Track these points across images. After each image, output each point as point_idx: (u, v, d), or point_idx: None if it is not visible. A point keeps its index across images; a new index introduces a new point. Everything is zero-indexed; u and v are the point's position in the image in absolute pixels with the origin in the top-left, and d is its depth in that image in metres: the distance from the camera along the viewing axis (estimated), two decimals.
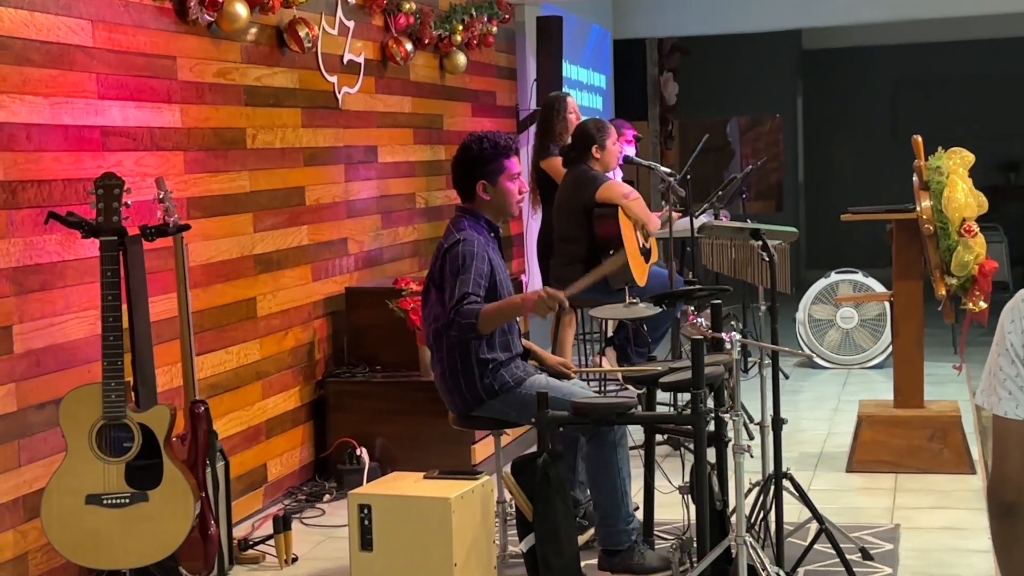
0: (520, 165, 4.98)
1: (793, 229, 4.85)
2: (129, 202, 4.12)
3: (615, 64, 12.01)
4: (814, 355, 8.97)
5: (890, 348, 8.84)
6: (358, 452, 6.28)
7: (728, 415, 4.30)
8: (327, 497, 6.13)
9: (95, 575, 4.29)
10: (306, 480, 6.36)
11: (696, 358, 4.30)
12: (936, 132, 6.50)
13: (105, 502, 4.02)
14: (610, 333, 7.40)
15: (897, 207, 6.33)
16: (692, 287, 4.80)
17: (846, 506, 5.75)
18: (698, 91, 14.19)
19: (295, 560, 5.26)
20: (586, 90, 10.76)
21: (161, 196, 4.39)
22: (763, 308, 4.90)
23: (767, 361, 4.79)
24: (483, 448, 6.33)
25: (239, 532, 5.48)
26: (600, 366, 7.27)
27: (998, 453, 2.31)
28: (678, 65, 13.59)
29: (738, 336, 4.18)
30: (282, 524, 5.23)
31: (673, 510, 5.14)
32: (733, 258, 4.68)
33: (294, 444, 6.28)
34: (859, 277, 8.93)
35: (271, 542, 5.28)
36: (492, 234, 4.90)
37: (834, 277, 9.02)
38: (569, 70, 9.92)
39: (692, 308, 4.38)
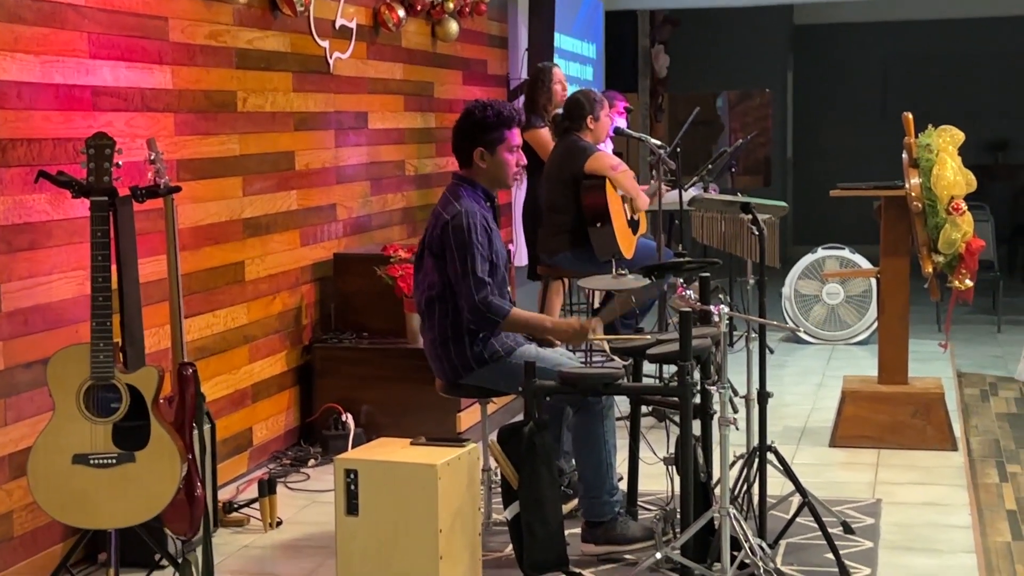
0: (520, 138, 4.96)
1: (783, 203, 4.86)
2: (120, 163, 4.10)
3: (606, 35, 11.98)
4: (800, 329, 8.99)
5: (875, 325, 8.89)
6: (344, 418, 6.29)
7: (715, 388, 4.32)
8: (312, 462, 6.15)
9: (80, 534, 4.29)
10: (291, 445, 6.37)
11: (684, 330, 4.32)
12: (926, 110, 6.51)
13: (92, 462, 4.02)
14: (596, 304, 7.41)
15: (886, 184, 6.35)
16: (681, 259, 4.81)
17: (828, 480, 5.79)
18: (689, 64, 14.17)
19: (279, 524, 5.28)
20: (577, 61, 10.73)
21: (152, 157, 4.38)
22: (751, 282, 4.92)
23: (753, 335, 4.81)
24: (468, 416, 6.35)
25: (224, 495, 5.50)
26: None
27: None
28: (669, 37, 13.57)
29: (726, 309, 4.19)
30: (267, 488, 5.25)
31: (657, 481, 5.18)
32: (723, 231, 4.69)
33: (280, 409, 6.29)
34: (846, 253, 8.96)
35: (256, 506, 5.30)
36: (488, 203, 4.90)
37: (821, 253, 9.04)
38: (561, 40, 9.89)
39: (681, 280, 4.39)
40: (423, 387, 6.20)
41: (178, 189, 4.40)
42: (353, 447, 6.19)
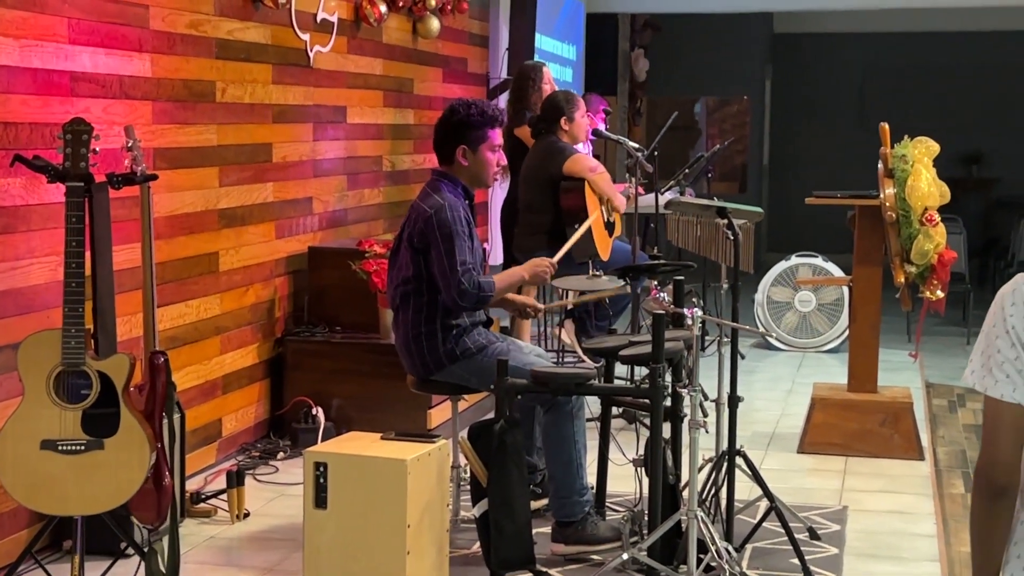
0: (501, 138, 5.00)
1: (758, 209, 4.88)
2: (97, 148, 4.09)
3: (587, 37, 12.00)
4: (772, 335, 9.02)
5: (846, 333, 8.93)
6: (314, 411, 6.28)
7: (685, 390, 4.33)
8: (281, 455, 6.14)
9: (46, 521, 4.27)
10: (260, 437, 6.36)
11: (657, 333, 4.33)
12: (902, 121, 6.53)
13: (60, 448, 4.00)
14: (570, 305, 7.41)
15: (861, 193, 6.38)
16: (656, 262, 4.82)
17: (796, 486, 5.81)
18: (668, 69, 14.21)
19: (247, 515, 5.27)
20: (557, 62, 10.74)
21: (130, 145, 4.36)
22: (725, 286, 4.95)
23: (725, 339, 4.82)
24: (439, 412, 6.35)
25: (192, 486, 5.48)
26: (559, 338, 7.31)
27: (990, 435, 2.32)
28: (649, 42, 13.60)
29: (700, 312, 4.21)
30: (235, 479, 5.24)
31: (625, 482, 5.19)
32: (698, 235, 4.70)
33: (250, 401, 6.27)
34: (819, 261, 9.00)
35: (223, 497, 5.29)
36: (467, 201, 4.92)
37: (794, 260, 9.08)
38: (541, 41, 9.91)
39: (655, 283, 4.40)
40: (395, 382, 6.19)
41: (155, 177, 4.38)
42: (323, 441, 6.18)
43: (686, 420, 4.38)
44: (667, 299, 4.38)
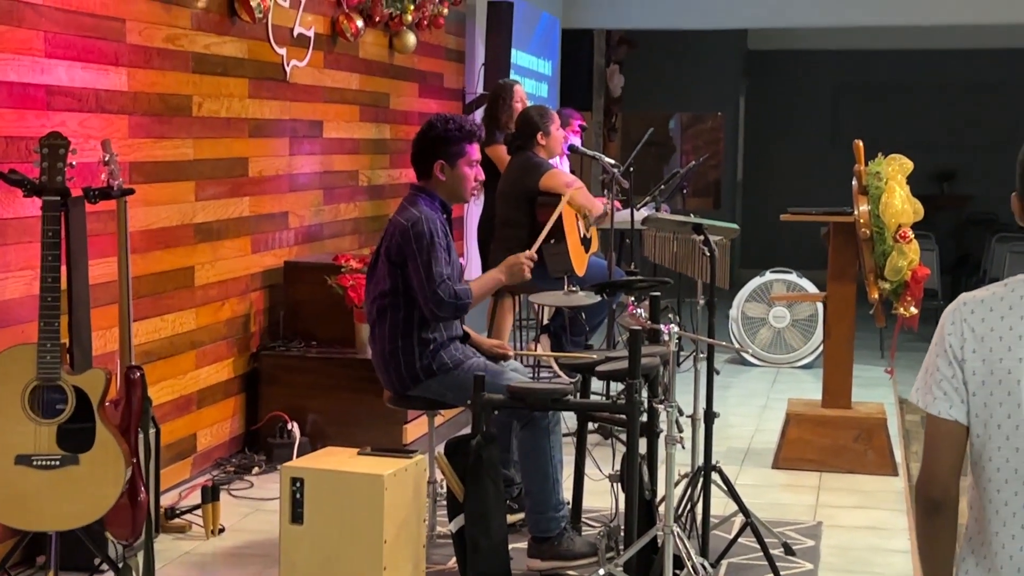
0: (479, 153, 5.01)
1: (734, 226, 4.90)
2: (74, 163, 4.08)
3: (562, 53, 12.04)
4: (748, 351, 9.04)
5: (820, 349, 8.96)
6: (289, 426, 6.27)
7: (661, 406, 4.34)
8: (256, 470, 6.12)
9: (20, 536, 4.25)
10: (235, 452, 6.34)
11: (633, 348, 4.34)
12: (874, 138, 6.57)
13: (35, 463, 3.99)
14: (546, 320, 7.44)
15: (835, 209, 6.41)
16: (633, 277, 4.84)
17: (770, 501, 5.83)
18: (643, 84, 14.26)
19: (222, 531, 5.25)
20: (533, 77, 10.77)
21: (107, 159, 4.36)
22: (701, 302, 4.98)
23: (701, 355, 4.84)
24: (415, 428, 6.34)
25: (166, 501, 5.46)
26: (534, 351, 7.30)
27: (929, 451, 2.37)
28: (624, 57, 13.65)
29: (676, 328, 4.22)
30: (210, 494, 5.22)
31: (601, 498, 5.20)
32: (675, 251, 4.72)
33: (225, 415, 6.25)
34: (793, 278, 9.04)
35: (198, 512, 5.26)
36: (445, 215, 4.93)
37: (768, 276, 9.11)
38: (517, 56, 9.93)
39: (632, 299, 4.42)
40: (370, 397, 6.20)
41: (131, 191, 4.38)
42: (298, 456, 6.17)
43: (662, 436, 4.39)
44: (644, 315, 4.38)
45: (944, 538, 2.36)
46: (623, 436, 6.24)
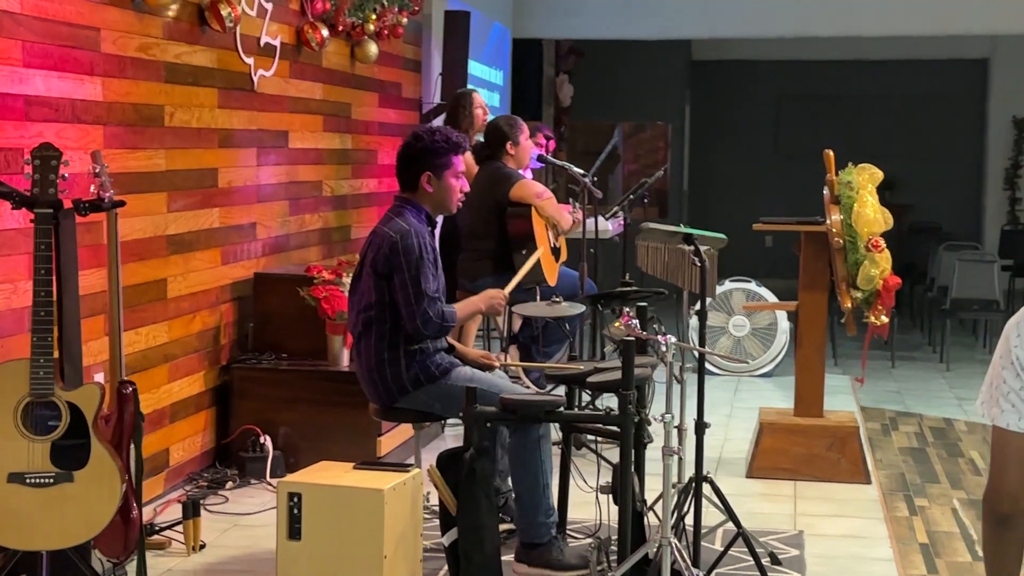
0: (464, 164, 5.01)
1: (722, 236, 4.91)
2: (66, 175, 4.00)
3: (513, 63, 12.05)
4: (747, 362, 8.99)
5: (780, 357, 9.03)
6: (262, 440, 6.19)
7: (659, 417, 4.34)
8: (230, 484, 6.04)
9: (8, 556, 4.16)
10: (207, 466, 6.25)
11: (626, 359, 4.33)
12: (816, 147, 6.60)
13: (28, 481, 3.90)
14: (515, 330, 7.41)
15: (807, 219, 6.46)
16: (628, 288, 4.84)
17: (749, 511, 5.83)
18: (591, 95, 14.32)
19: (203, 547, 5.17)
20: (485, 87, 10.76)
21: (97, 170, 4.28)
22: (692, 313, 4.99)
23: (687, 365, 4.84)
24: (389, 440, 6.30)
25: (143, 517, 5.36)
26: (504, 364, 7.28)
27: (997, 465, 2.37)
28: (573, 67, 13.68)
29: (673, 339, 4.22)
30: (191, 510, 5.14)
31: (582, 509, 5.19)
32: (666, 261, 4.73)
33: (197, 429, 6.17)
34: (752, 286, 9.08)
35: (178, 528, 5.19)
36: (430, 227, 4.90)
37: (728, 285, 9.15)
38: (471, 66, 9.91)
39: (627, 309, 4.42)
40: (343, 409, 6.16)
41: (122, 204, 4.31)
42: (271, 469, 6.11)
43: (660, 447, 4.38)
44: (638, 325, 4.38)
45: (1012, 552, 2.36)
46: (596, 447, 6.25)
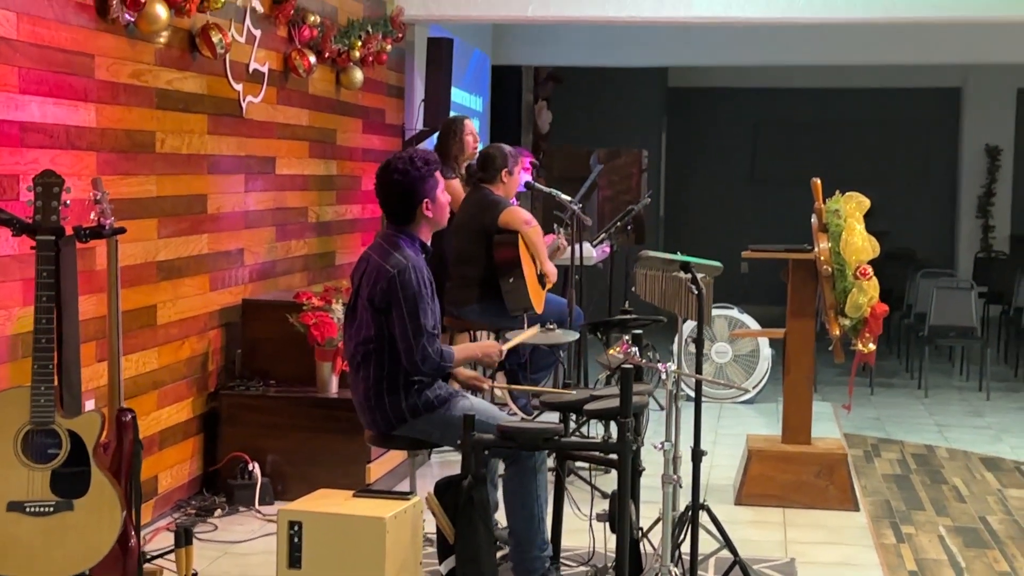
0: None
1: (717, 263, 4.93)
2: (68, 201, 3.99)
3: (492, 89, 12.08)
4: (751, 389, 8.99)
5: (762, 384, 9.06)
6: (250, 467, 6.17)
7: (659, 445, 4.35)
8: (218, 512, 6.01)
9: None
10: (194, 494, 6.22)
11: (625, 387, 4.34)
12: (792, 175, 6.62)
13: (28, 510, 3.88)
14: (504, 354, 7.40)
15: (795, 247, 6.49)
16: (627, 316, 4.86)
17: (740, 538, 5.80)
18: (569, 121, 14.36)
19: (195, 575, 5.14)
20: (465, 112, 10.78)
21: (98, 197, 4.27)
22: (688, 340, 5.01)
23: (681, 392, 4.85)
24: (378, 466, 6.28)
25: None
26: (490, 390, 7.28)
27: None
28: (552, 94, 13.73)
29: (673, 367, 4.23)
30: (184, 538, 5.09)
31: (575, 537, 5.19)
32: (663, 289, 4.74)
33: (184, 457, 6.14)
34: (735, 313, 9.12)
35: (171, 556, 5.14)
36: (424, 256, 4.91)
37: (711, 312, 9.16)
38: (452, 92, 9.93)
39: (625, 337, 4.44)
40: (331, 436, 6.15)
41: (123, 231, 4.30)
42: (259, 497, 6.08)
43: (660, 475, 4.39)
44: (636, 352, 4.40)
45: None
46: (583, 474, 6.27)
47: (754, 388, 9.05)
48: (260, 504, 6.09)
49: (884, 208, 15.12)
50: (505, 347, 5.18)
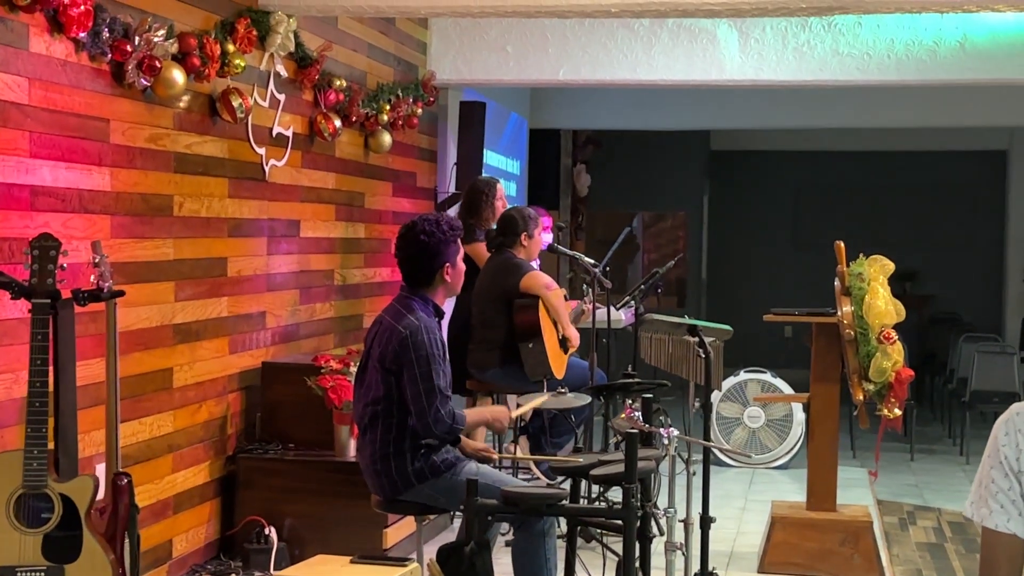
0: None
1: (727, 327, 4.87)
2: (64, 265, 4.00)
3: (530, 153, 12.10)
4: (752, 456, 8.90)
5: (796, 449, 8.93)
6: (267, 531, 6.13)
7: (662, 511, 4.27)
8: None
9: None
10: (211, 558, 6.19)
11: (630, 452, 4.28)
12: (835, 238, 6.53)
13: (19, 574, 3.85)
14: (525, 420, 7.35)
15: (818, 310, 6.41)
16: (631, 380, 4.81)
17: None
18: (609, 184, 14.35)
19: None
20: (502, 176, 10.78)
21: (97, 260, 4.27)
22: (696, 405, 4.96)
23: (694, 457, 4.79)
24: (395, 532, 6.22)
25: None
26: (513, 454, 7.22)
27: (986, 565, 2.31)
28: (591, 157, 13.74)
29: (676, 432, 4.16)
30: None
31: None
32: (670, 352, 4.69)
33: (201, 520, 6.12)
34: (767, 377, 9.01)
35: None
36: (438, 319, 4.88)
37: (743, 376, 9.08)
38: (487, 156, 9.95)
39: (630, 401, 4.38)
40: (349, 501, 6.10)
41: (121, 294, 4.30)
42: (275, 562, 6.04)
43: (663, 541, 4.31)
44: (640, 417, 4.33)
45: None
46: (607, 540, 6.17)
47: (788, 453, 8.93)
48: (276, 569, 6.03)
49: (930, 272, 15.06)
50: (515, 413, 5.14)
